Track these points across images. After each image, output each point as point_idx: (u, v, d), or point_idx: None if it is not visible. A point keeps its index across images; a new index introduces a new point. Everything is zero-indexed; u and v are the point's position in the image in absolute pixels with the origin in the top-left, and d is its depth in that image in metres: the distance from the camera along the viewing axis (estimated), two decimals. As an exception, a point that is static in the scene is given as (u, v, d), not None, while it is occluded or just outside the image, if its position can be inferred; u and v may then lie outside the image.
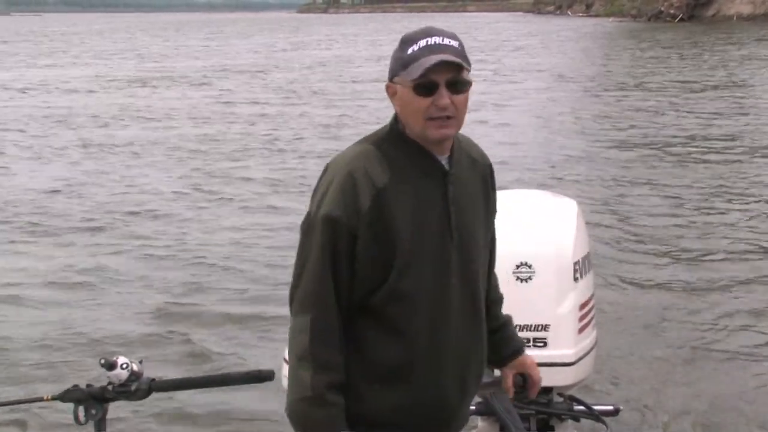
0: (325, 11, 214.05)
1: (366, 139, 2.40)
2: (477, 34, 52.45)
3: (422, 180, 2.33)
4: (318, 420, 2.29)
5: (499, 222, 2.66)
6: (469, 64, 2.31)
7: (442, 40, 2.28)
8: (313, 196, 2.36)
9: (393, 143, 2.35)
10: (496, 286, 2.71)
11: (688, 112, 19.41)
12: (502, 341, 2.68)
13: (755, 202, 11.07)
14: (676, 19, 53.97)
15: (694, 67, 29.78)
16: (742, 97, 21.53)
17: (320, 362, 2.28)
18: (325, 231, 2.28)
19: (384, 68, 2.59)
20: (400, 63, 2.31)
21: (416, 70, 2.25)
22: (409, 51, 2.29)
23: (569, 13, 72.64)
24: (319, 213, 2.30)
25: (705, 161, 13.87)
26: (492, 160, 2.57)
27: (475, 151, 2.51)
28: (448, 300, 2.35)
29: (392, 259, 2.28)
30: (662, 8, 56.13)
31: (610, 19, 62.16)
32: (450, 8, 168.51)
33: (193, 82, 28.43)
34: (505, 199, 3.50)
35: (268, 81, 28.95)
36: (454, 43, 2.29)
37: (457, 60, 2.26)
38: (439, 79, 2.26)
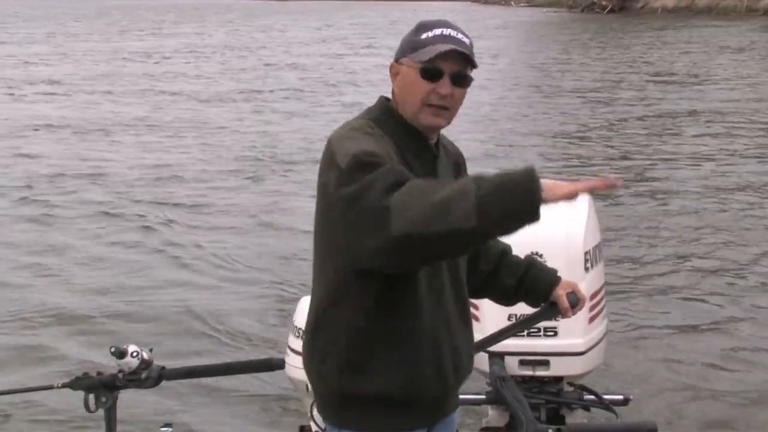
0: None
1: (362, 116, 2.41)
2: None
3: (415, 160, 2.37)
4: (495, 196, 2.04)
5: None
6: (475, 63, 2.37)
7: (457, 34, 2.36)
8: (328, 166, 2.23)
9: (387, 121, 2.37)
10: (498, 241, 2.63)
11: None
12: (541, 273, 2.65)
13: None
14: (606, 11, 54.91)
15: (587, 56, 30.01)
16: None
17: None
18: (374, 159, 2.16)
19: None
20: (411, 45, 2.37)
21: (427, 54, 2.31)
22: (423, 36, 2.35)
23: (513, 3, 73.11)
24: (360, 150, 2.18)
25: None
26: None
27: (444, 140, 2.55)
28: (441, 274, 2.39)
29: None
30: (595, 0, 57.03)
31: (545, 10, 62.79)
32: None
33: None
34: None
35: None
36: (466, 40, 2.37)
37: (468, 53, 2.34)
38: (446, 68, 2.33)
